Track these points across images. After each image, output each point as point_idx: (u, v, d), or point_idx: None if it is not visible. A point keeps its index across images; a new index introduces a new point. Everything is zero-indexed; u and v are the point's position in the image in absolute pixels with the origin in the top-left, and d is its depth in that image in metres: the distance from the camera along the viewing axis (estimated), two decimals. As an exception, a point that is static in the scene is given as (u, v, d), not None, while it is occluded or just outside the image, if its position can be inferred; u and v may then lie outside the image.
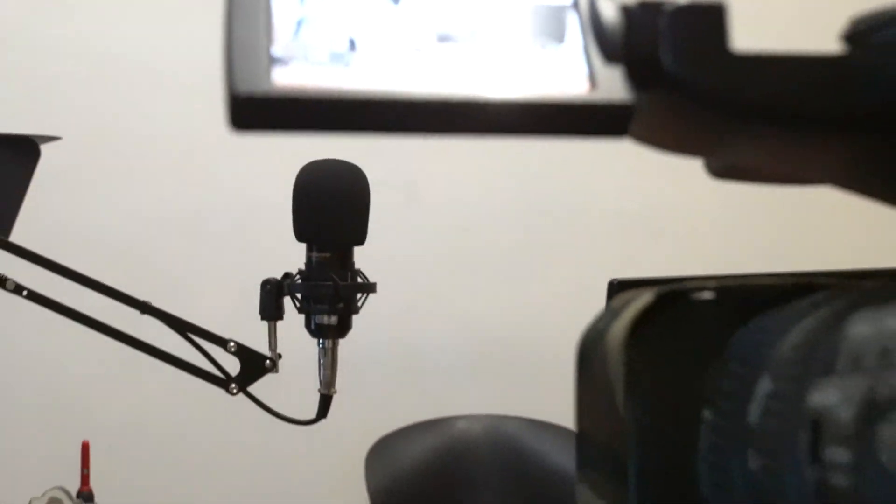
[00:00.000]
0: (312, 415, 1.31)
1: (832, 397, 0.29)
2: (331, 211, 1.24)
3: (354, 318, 1.28)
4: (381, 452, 2.45)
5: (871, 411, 0.27)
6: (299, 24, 0.34)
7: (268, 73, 0.33)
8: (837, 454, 0.28)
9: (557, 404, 2.27)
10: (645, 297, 0.40)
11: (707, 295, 0.40)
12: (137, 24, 2.32)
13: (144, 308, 1.24)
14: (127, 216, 2.43)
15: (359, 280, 1.26)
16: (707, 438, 0.37)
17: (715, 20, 0.33)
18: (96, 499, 1.47)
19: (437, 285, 2.53)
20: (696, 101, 0.34)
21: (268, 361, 1.26)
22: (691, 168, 0.42)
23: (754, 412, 0.34)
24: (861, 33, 0.33)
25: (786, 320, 0.36)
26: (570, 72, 0.34)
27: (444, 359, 2.56)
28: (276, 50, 0.33)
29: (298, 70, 0.33)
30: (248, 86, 0.32)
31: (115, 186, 2.44)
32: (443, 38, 0.35)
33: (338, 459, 2.47)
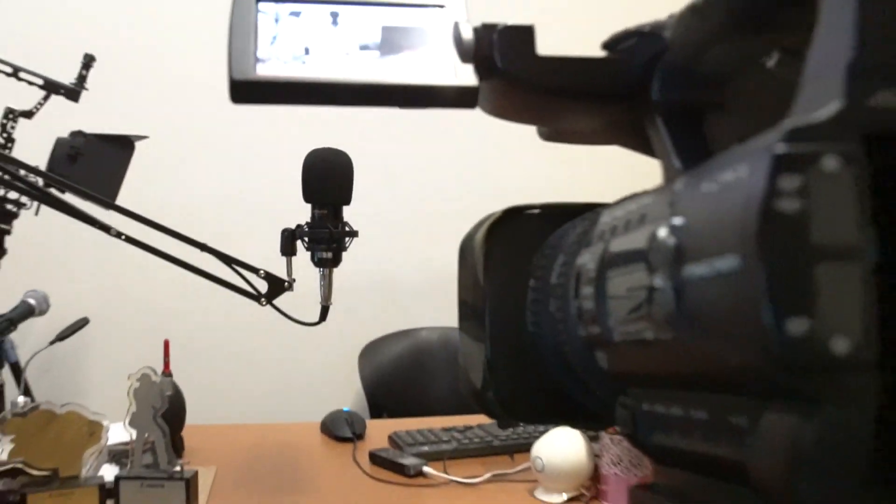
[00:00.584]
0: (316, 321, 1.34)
1: (586, 258, 0.34)
2: (326, 179, 1.26)
3: (344, 255, 1.32)
4: (369, 353, 2.49)
5: (603, 263, 0.31)
6: (274, 38, 0.37)
7: (254, 67, 0.36)
8: (587, 290, 0.32)
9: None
10: (497, 212, 0.44)
11: (535, 210, 0.44)
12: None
13: (204, 248, 1.27)
14: (191, 191, 2.46)
15: (346, 228, 1.29)
16: (531, 296, 0.41)
17: (527, 35, 0.37)
18: (173, 378, 1.50)
19: (406, 233, 2.58)
20: (517, 86, 0.37)
21: (286, 283, 1.29)
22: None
23: (554, 277, 0.39)
24: (614, 42, 0.37)
25: (576, 223, 0.41)
26: (441, 67, 0.38)
27: (412, 285, 2.61)
28: (259, 53, 0.37)
29: (273, 66, 0.37)
30: (240, 74, 0.36)
31: (184, 170, 2.46)
32: (363, 47, 0.38)
33: (339, 358, 2.51)
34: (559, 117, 0.40)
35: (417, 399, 2.44)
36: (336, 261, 1.30)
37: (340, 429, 1.68)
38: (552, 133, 0.45)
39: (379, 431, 1.71)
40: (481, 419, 1.76)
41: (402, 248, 2.60)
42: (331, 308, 1.33)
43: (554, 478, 1.33)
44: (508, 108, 0.40)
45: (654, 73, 0.35)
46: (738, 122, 0.36)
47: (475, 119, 2.17)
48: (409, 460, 1.46)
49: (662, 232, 0.26)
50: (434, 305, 2.56)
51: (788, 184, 0.21)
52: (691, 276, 0.24)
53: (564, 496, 1.33)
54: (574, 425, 0.45)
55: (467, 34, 0.38)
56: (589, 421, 0.44)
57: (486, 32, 0.38)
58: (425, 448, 1.54)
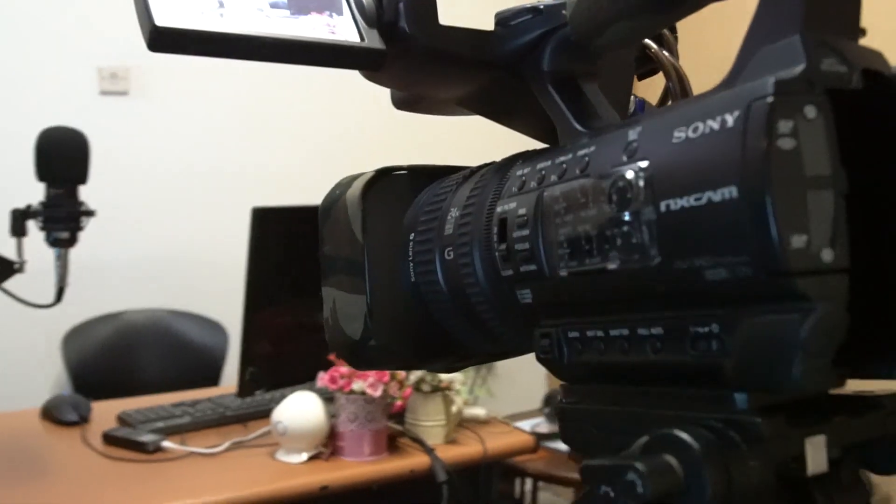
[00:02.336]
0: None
1: (510, 206, 0.35)
2: (62, 158, 1.15)
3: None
4: (73, 338, 2.28)
5: (540, 207, 0.33)
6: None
7: (173, 14, 0.33)
8: (520, 233, 0.33)
9: (199, 300, 2.23)
10: (369, 173, 0.44)
11: (402, 171, 0.45)
12: None
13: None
14: None
15: (83, 208, 1.18)
16: (415, 248, 0.42)
17: (431, 4, 0.37)
18: None
19: (110, 216, 2.38)
20: (422, 53, 0.37)
21: (16, 265, 1.15)
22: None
23: (448, 228, 0.39)
24: (505, 19, 0.38)
25: (454, 182, 0.42)
26: (349, 30, 0.37)
27: (116, 268, 2.43)
28: (177, 1, 0.33)
29: (191, 15, 0.33)
30: (163, 21, 0.32)
31: None
32: (274, 5, 0.36)
33: (43, 343, 2.27)
34: (449, 85, 0.40)
35: (126, 382, 2.27)
36: (72, 240, 1.18)
37: (65, 413, 1.53)
38: (408, 101, 0.45)
39: (105, 413, 1.58)
40: (210, 392, 1.70)
41: (105, 232, 2.40)
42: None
43: (296, 439, 1.32)
44: (408, 74, 0.39)
45: (546, 45, 0.37)
46: (602, 89, 0.39)
47: (182, 107, 2.07)
48: (146, 437, 1.37)
49: (629, 174, 0.28)
50: (139, 287, 2.41)
51: (784, 127, 0.24)
52: (671, 208, 0.27)
53: (305, 455, 1.33)
54: (448, 365, 0.46)
55: (368, 1, 0.38)
56: (464, 359, 0.45)
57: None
58: (160, 424, 1.45)
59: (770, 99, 0.24)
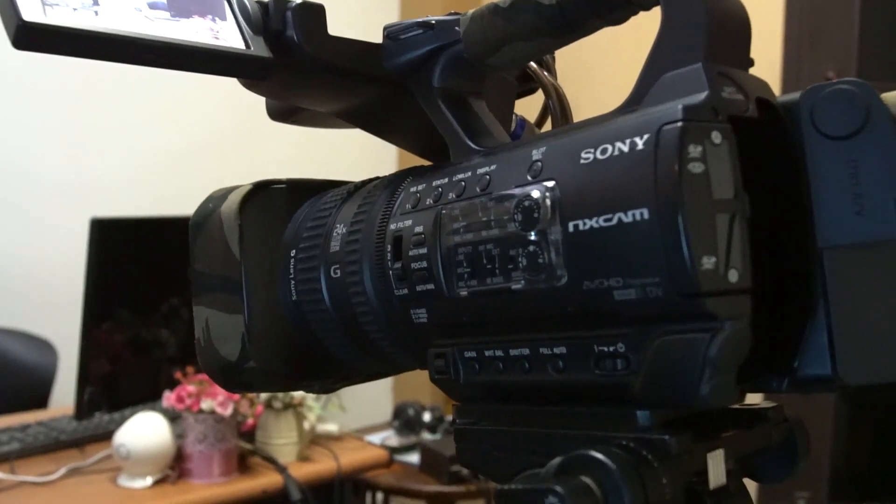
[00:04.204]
0: None
1: (406, 223, 0.34)
2: None
3: None
4: None
5: (439, 226, 0.32)
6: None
7: (42, 10, 0.30)
8: (417, 252, 0.33)
9: (24, 316, 2.07)
10: (245, 186, 0.42)
11: (281, 185, 0.43)
12: None
13: None
14: None
15: None
16: (297, 266, 0.40)
17: (320, 13, 0.36)
18: None
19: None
20: (306, 62, 0.36)
21: None
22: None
23: (334, 245, 0.38)
24: (395, 32, 0.37)
25: (338, 197, 0.40)
26: (233, 36, 0.35)
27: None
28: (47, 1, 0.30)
29: (62, 12, 0.30)
30: (31, 16, 0.29)
31: None
32: (153, 6, 0.33)
33: None
34: (335, 98, 0.39)
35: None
36: None
37: None
38: (286, 112, 0.44)
39: (-82, 441, 1.43)
40: (41, 416, 1.58)
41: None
42: None
43: (140, 462, 1.24)
44: (294, 86, 0.38)
45: (437, 61, 0.37)
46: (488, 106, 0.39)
47: (8, 104, 1.92)
48: (-31, 467, 1.25)
49: (536, 193, 0.28)
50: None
51: (694, 151, 0.25)
52: (580, 228, 0.27)
53: (150, 479, 1.26)
54: (327, 385, 0.44)
55: (252, 5, 0.36)
56: (345, 378, 0.43)
57: (279, 6, 0.36)
58: (-16, 452, 1.33)
59: (680, 123, 0.25)
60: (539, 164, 0.29)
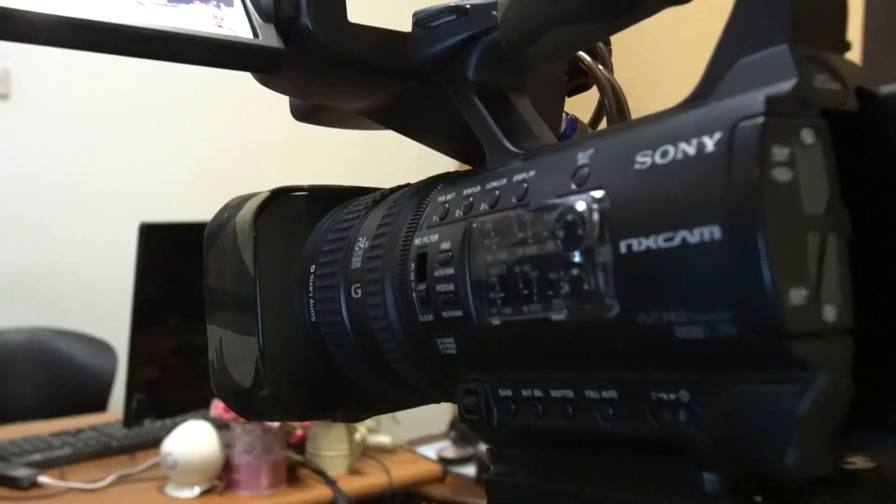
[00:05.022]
0: None
1: (431, 239, 0.29)
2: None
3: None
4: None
5: (467, 242, 0.27)
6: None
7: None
8: (443, 272, 0.28)
9: (85, 318, 2.08)
10: (262, 193, 0.38)
11: (302, 192, 0.39)
12: None
13: None
14: None
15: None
16: (316, 283, 0.36)
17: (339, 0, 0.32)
18: None
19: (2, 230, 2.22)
20: (322, 53, 0.32)
21: None
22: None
23: (356, 262, 0.34)
24: (424, 19, 0.33)
25: (362, 207, 0.36)
26: (240, 24, 0.31)
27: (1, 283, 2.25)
28: None
29: None
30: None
31: None
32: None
33: None
34: (357, 94, 0.35)
35: (1, 407, 2.10)
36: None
37: (-72, 445, 1.39)
38: (309, 112, 0.39)
39: (-27, 444, 1.44)
40: (94, 420, 1.58)
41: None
42: None
43: (187, 472, 1.22)
44: (309, 80, 0.33)
45: (472, 52, 0.32)
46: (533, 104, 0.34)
47: (68, 113, 1.94)
48: (20, 471, 1.25)
49: (581, 205, 0.23)
50: (14, 305, 2.24)
51: (779, 154, 0.19)
52: (634, 249, 0.22)
53: (197, 490, 1.24)
54: (350, 415, 0.40)
55: None
56: (369, 408, 0.39)
57: None
58: (37, 456, 1.33)
59: (762, 119, 0.20)
60: (585, 169, 0.24)
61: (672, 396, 0.22)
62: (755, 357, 0.20)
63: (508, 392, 0.27)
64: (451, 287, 0.28)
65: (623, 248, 0.22)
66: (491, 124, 0.31)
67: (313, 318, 0.36)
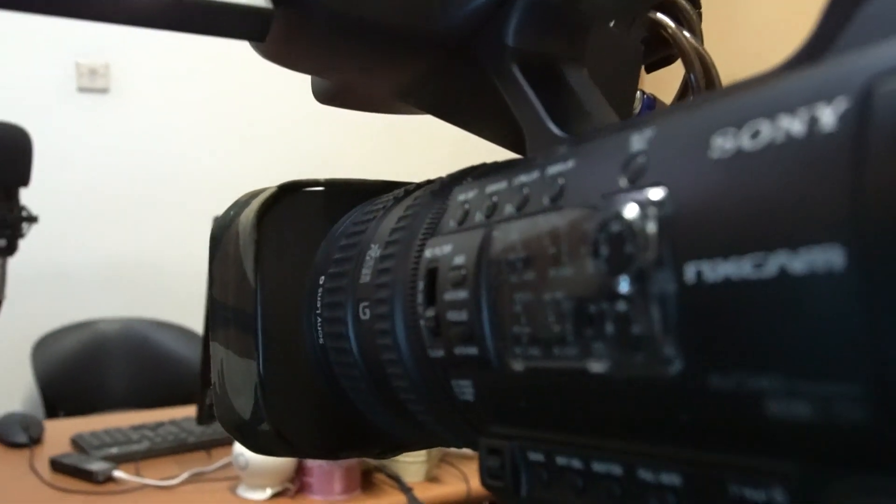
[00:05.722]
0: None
1: (444, 250, 0.22)
2: (-1, 158, 1.03)
3: (22, 241, 1.08)
4: (43, 348, 2.16)
5: (485, 257, 0.21)
6: None
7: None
8: (454, 296, 0.21)
9: (180, 310, 2.10)
10: (269, 189, 0.32)
11: (317, 188, 0.32)
12: None
13: None
14: None
15: (24, 213, 1.06)
16: (324, 299, 0.29)
17: None
18: None
19: (80, 219, 2.26)
20: (320, 15, 0.25)
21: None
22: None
23: (365, 275, 0.27)
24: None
25: (381, 205, 0.30)
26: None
27: (87, 275, 2.30)
28: None
29: None
30: None
31: None
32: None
33: (6, 355, 2.14)
34: (369, 68, 0.28)
35: (96, 394, 2.14)
36: (11, 249, 1.06)
37: (14, 434, 1.41)
38: (334, 93, 0.33)
39: (59, 434, 1.46)
40: (173, 414, 1.57)
41: (76, 235, 2.27)
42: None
43: (258, 474, 1.19)
44: (307, 49, 0.27)
45: (512, 11, 0.25)
46: (595, 82, 0.27)
47: (164, 106, 1.95)
48: (96, 465, 1.24)
49: (632, 210, 0.16)
50: (112, 295, 2.28)
51: None
52: (707, 278, 0.14)
53: (269, 492, 1.20)
54: (370, 456, 0.33)
55: None
56: (390, 450, 0.33)
57: None
58: (114, 450, 1.33)
59: None
60: (642, 158, 0.17)
61: (761, 496, 0.15)
62: (887, 451, 0.13)
63: (541, 458, 0.21)
64: (465, 316, 0.21)
65: (691, 275, 0.15)
66: (532, 101, 0.24)
67: (321, 341, 0.30)
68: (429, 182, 0.29)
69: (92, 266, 2.31)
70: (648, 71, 0.34)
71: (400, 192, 0.30)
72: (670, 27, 0.32)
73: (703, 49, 0.32)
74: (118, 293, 2.31)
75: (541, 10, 0.25)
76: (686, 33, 0.32)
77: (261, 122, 2.43)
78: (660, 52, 0.33)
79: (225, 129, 2.40)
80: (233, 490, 1.22)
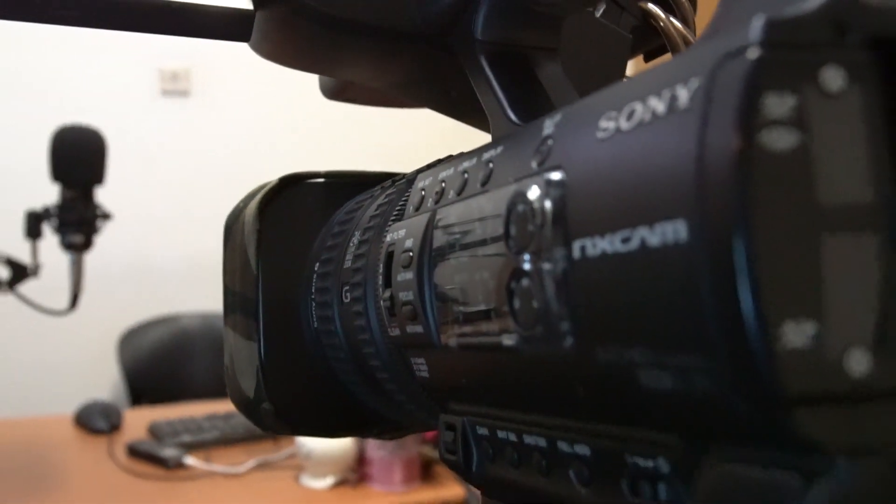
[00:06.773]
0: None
1: (399, 234, 0.23)
2: (76, 158, 1.08)
3: (98, 238, 1.13)
4: (129, 340, 2.25)
5: (428, 239, 0.21)
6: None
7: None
8: (404, 277, 0.22)
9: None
10: (272, 181, 0.33)
11: (318, 179, 0.34)
12: None
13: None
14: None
15: (99, 211, 1.11)
16: (317, 285, 0.31)
17: None
18: None
19: (163, 215, 2.34)
20: (305, 14, 0.26)
21: (29, 269, 1.09)
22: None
23: (348, 260, 0.28)
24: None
25: (369, 195, 0.31)
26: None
27: (171, 270, 2.38)
28: None
29: None
30: None
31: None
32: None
33: (94, 346, 2.24)
34: (354, 64, 0.29)
35: (178, 385, 2.22)
36: (87, 245, 1.11)
37: (95, 421, 1.47)
38: (339, 89, 0.34)
39: (138, 422, 1.52)
40: (245, 405, 1.62)
41: (161, 233, 2.36)
42: (85, 294, 1.14)
43: (321, 462, 1.22)
44: (288, 45, 0.28)
45: (479, 6, 0.26)
46: (570, 72, 0.27)
47: (245, 109, 1.99)
48: (168, 452, 1.29)
49: (533, 191, 0.17)
50: (195, 290, 2.36)
51: (779, 107, 0.12)
52: (588, 253, 0.15)
53: (330, 480, 1.23)
54: (368, 436, 0.34)
55: None
56: (387, 431, 0.34)
57: None
58: (186, 438, 1.37)
59: (755, 53, 0.12)
60: (550, 142, 0.17)
61: (649, 464, 0.15)
62: (745, 424, 0.13)
63: (486, 431, 0.21)
64: (411, 296, 0.22)
65: (577, 251, 0.15)
66: (495, 90, 0.25)
67: (315, 325, 0.31)
68: (417, 172, 0.30)
69: (175, 262, 2.40)
70: (647, 59, 0.34)
71: (388, 182, 0.31)
72: (661, 16, 0.32)
73: (695, 38, 0.32)
74: (200, 289, 2.38)
75: (507, 3, 0.25)
76: (677, 22, 0.32)
77: (340, 123, 2.47)
78: (654, 41, 0.33)
79: (304, 130, 2.45)
80: (296, 478, 1.26)
